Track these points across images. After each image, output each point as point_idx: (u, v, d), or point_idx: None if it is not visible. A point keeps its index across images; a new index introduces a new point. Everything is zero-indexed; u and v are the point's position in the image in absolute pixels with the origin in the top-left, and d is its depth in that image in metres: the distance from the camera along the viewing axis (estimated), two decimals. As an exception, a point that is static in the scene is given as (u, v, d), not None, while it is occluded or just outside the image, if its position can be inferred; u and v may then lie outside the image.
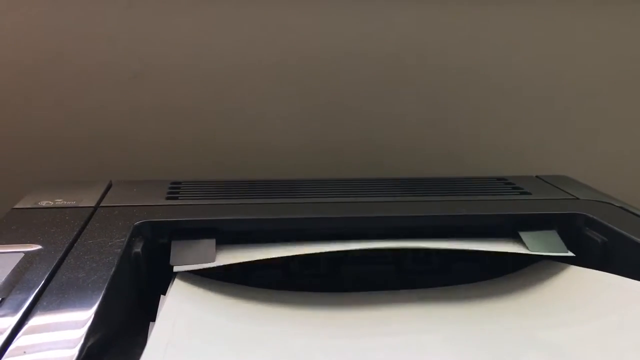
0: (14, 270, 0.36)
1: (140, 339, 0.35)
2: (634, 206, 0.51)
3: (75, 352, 0.29)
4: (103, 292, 0.34)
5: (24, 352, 0.29)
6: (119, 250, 0.39)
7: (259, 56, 0.69)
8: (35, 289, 0.34)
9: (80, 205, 0.48)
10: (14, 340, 0.30)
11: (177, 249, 0.44)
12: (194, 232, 0.46)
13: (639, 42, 0.74)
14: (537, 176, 0.61)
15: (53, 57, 0.66)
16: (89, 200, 0.49)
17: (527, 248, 0.47)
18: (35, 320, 0.31)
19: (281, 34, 0.68)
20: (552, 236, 0.48)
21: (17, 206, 0.47)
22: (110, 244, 0.40)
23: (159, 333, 0.35)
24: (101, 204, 0.48)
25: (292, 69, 0.70)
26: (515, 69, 0.73)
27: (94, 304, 0.33)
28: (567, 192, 0.55)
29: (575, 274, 0.45)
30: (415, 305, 0.44)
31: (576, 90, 0.74)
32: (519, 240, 0.48)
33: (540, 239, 0.48)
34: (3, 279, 0.35)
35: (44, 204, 0.48)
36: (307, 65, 0.70)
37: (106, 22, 0.66)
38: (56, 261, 0.37)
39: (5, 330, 0.30)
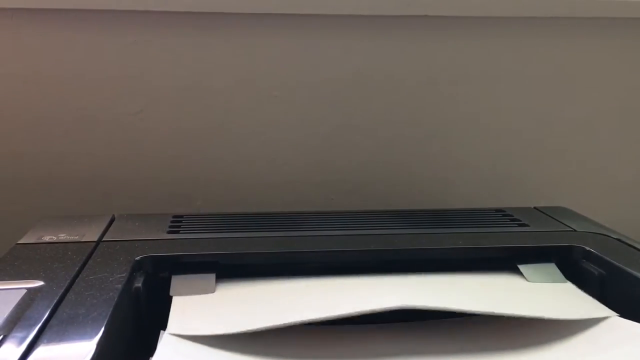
0: (16, 307, 0.37)
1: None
2: (631, 237, 0.52)
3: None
4: (102, 328, 0.35)
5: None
6: (120, 285, 0.40)
7: (262, 89, 0.70)
8: (37, 326, 0.34)
9: (82, 240, 0.48)
10: (15, 377, 0.30)
11: (177, 284, 0.45)
12: (194, 266, 0.47)
13: (635, 77, 0.75)
14: (535, 207, 0.61)
15: (59, 92, 0.67)
16: (91, 235, 0.50)
17: (526, 279, 0.48)
18: (35, 357, 0.32)
19: (281, 68, 0.70)
20: (551, 268, 0.49)
21: (21, 241, 0.48)
22: (111, 279, 0.41)
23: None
24: (103, 239, 0.49)
25: (292, 102, 0.71)
26: (515, 100, 0.74)
27: (94, 340, 0.33)
28: (565, 224, 0.55)
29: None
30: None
31: (574, 122, 0.75)
32: (517, 272, 0.49)
33: (539, 272, 0.48)
34: (5, 316, 0.35)
35: (47, 239, 0.48)
36: (307, 98, 0.71)
37: (112, 58, 0.67)
38: (57, 297, 0.38)
39: (6, 367, 0.31)
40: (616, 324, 0.42)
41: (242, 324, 0.39)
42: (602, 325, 0.42)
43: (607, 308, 0.43)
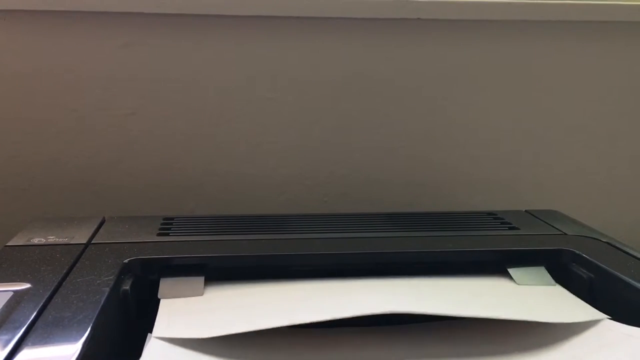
0: (1, 310, 0.36)
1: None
2: (623, 240, 0.52)
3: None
4: (88, 331, 0.35)
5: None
6: (107, 288, 0.40)
7: (254, 91, 0.70)
8: (21, 329, 0.34)
9: (71, 243, 0.48)
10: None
11: (166, 286, 0.45)
12: (183, 268, 0.47)
13: (626, 80, 0.75)
14: (526, 211, 0.61)
15: (51, 93, 0.67)
16: (80, 237, 0.50)
17: (515, 282, 0.48)
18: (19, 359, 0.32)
19: (275, 71, 0.70)
20: (540, 272, 0.49)
21: (9, 243, 0.48)
22: (98, 282, 0.41)
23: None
24: (92, 241, 0.49)
25: (286, 104, 0.71)
26: (507, 104, 0.74)
27: (79, 343, 0.33)
28: (555, 228, 0.55)
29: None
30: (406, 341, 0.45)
31: (568, 126, 0.75)
32: (507, 276, 0.49)
33: (528, 275, 0.48)
34: (-10, 318, 0.35)
35: (36, 241, 0.48)
36: (301, 100, 0.71)
37: (105, 60, 0.67)
38: (44, 300, 0.38)
39: (-11, 370, 0.31)
40: (606, 326, 0.42)
41: (228, 327, 0.39)
42: (592, 328, 0.42)
43: (597, 310, 0.43)
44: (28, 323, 0.35)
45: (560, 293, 0.47)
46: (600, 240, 0.52)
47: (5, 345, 0.33)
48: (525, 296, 0.46)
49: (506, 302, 0.45)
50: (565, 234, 0.54)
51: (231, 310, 0.43)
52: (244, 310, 0.43)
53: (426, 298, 0.44)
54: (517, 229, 0.55)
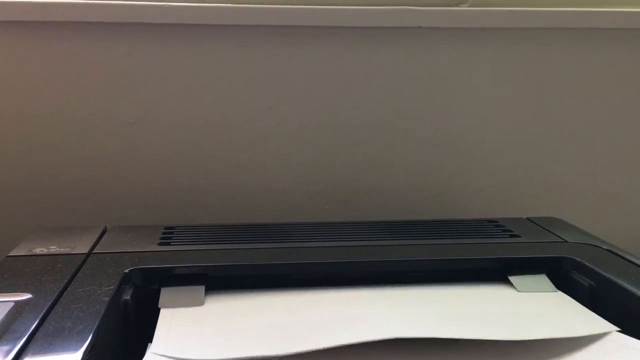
0: (2, 320, 0.37)
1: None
2: (624, 247, 0.52)
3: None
4: (88, 341, 0.35)
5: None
6: (107, 298, 0.40)
7: (256, 102, 0.70)
8: (22, 339, 0.34)
9: (73, 252, 0.48)
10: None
11: (166, 296, 0.45)
12: (184, 278, 0.47)
13: (627, 87, 0.75)
14: (527, 218, 0.61)
15: (54, 103, 0.68)
16: (82, 247, 0.50)
17: (516, 289, 0.48)
18: (20, 371, 0.32)
19: (276, 79, 0.70)
20: (542, 279, 0.49)
21: (11, 253, 0.48)
22: (99, 292, 0.41)
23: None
24: (94, 251, 0.49)
25: (287, 113, 0.71)
26: (509, 111, 0.74)
27: (80, 353, 0.34)
28: (556, 235, 0.55)
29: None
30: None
31: (569, 133, 0.75)
32: (508, 283, 0.49)
33: (529, 283, 0.48)
34: (-9, 329, 0.36)
35: (37, 251, 0.49)
36: (302, 108, 0.71)
37: (107, 70, 0.68)
38: (44, 310, 0.38)
39: (-11, 381, 0.31)
40: (612, 339, 0.41)
41: (227, 349, 0.39)
42: (598, 341, 0.42)
43: (606, 321, 0.43)
44: (29, 333, 0.35)
45: (564, 301, 0.47)
46: (601, 248, 0.52)
47: (6, 356, 0.33)
48: (532, 307, 0.46)
49: (516, 319, 0.44)
50: (566, 241, 0.54)
51: (230, 326, 0.42)
52: (242, 331, 0.42)
53: (435, 317, 0.43)
54: (518, 236, 0.55)
